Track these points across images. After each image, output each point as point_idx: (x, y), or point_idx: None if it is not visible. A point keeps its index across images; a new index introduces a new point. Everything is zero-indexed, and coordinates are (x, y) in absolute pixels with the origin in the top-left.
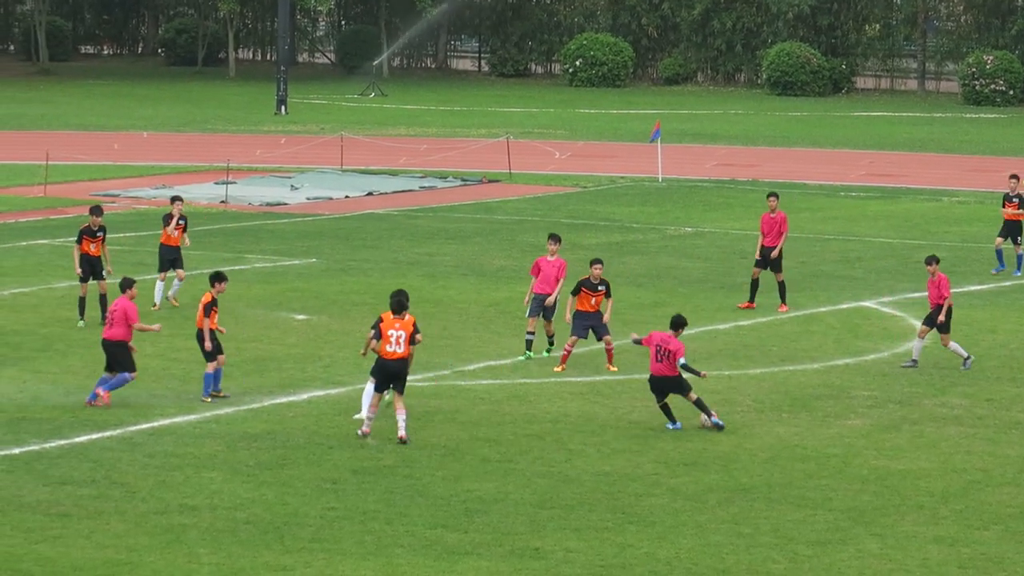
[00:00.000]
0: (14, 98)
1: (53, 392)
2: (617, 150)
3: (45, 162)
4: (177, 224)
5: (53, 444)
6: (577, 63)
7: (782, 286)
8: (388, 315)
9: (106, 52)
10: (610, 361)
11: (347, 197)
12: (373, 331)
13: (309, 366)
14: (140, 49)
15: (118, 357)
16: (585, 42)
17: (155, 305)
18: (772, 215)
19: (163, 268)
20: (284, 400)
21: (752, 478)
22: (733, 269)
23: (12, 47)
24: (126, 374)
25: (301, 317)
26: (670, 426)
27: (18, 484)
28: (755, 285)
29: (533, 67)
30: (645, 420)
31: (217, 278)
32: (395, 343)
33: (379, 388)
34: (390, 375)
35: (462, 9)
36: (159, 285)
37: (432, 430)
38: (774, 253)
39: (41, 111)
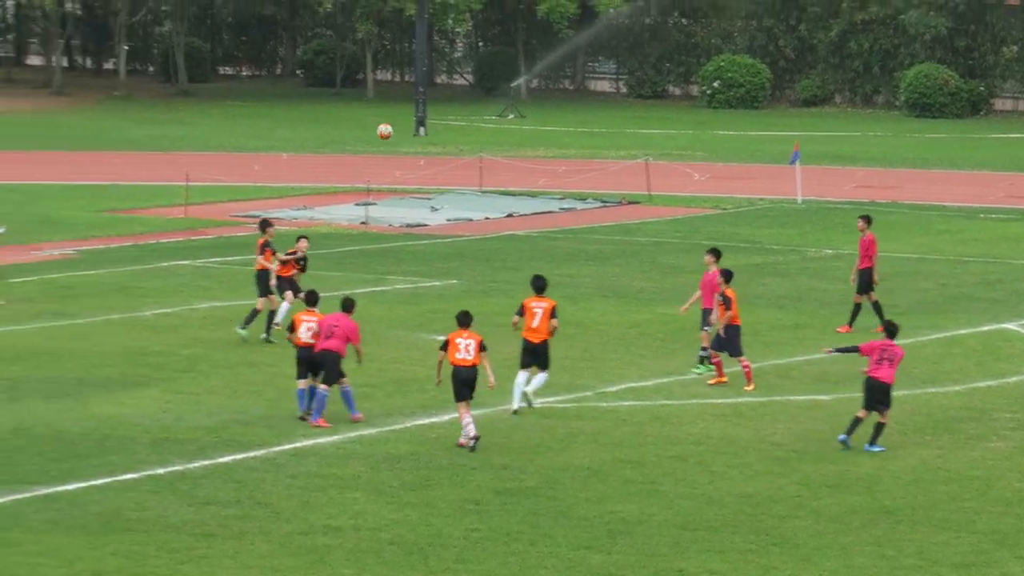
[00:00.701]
0: (154, 119)
1: (196, 413)
2: (756, 171)
3: (185, 183)
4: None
5: (197, 464)
6: (715, 84)
7: (857, 308)
8: (455, 332)
9: (245, 73)
10: (748, 381)
11: (487, 218)
12: (442, 352)
13: (451, 387)
14: (279, 70)
15: (327, 366)
16: (723, 63)
17: (277, 324)
18: (862, 237)
19: (283, 290)
20: (426, 421)
21: (895, 500)
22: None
23: (151, 68)
24: (323, 391)
25: (442, 338)
26: (843, 438)
27: (163, 504)
28: (875, 307)
29: (671, 88)
30: (787, 442)
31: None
32: (464, 350)
33: (459, 397)
34: (463, 381)
35: (601, 31)
36: (285, 306)
37: (575, 451)
38: (875, 277)
39: (180, 132)
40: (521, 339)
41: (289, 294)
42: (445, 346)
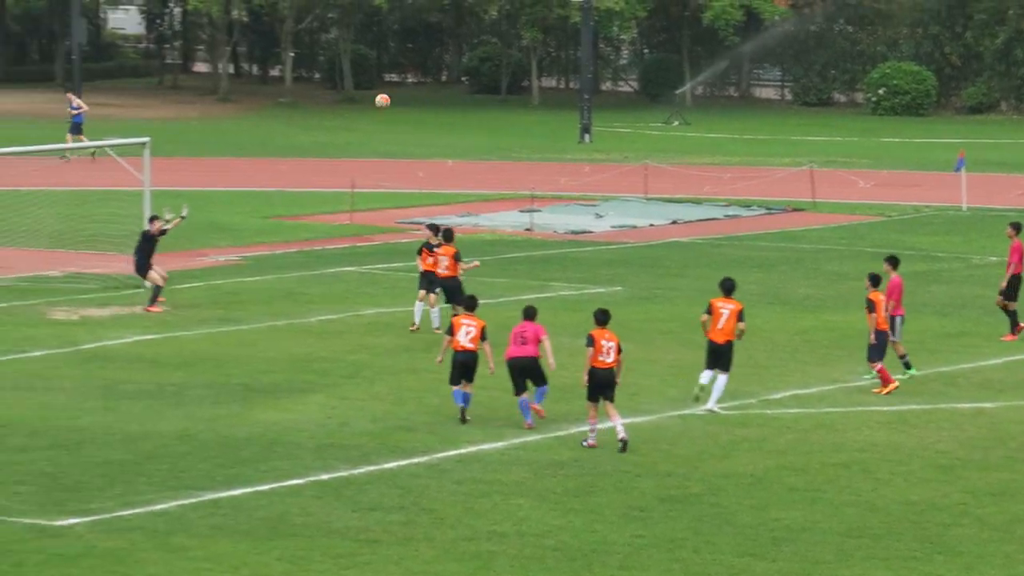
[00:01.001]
0: (320, 126)
1: (360, 419)
2: (921, 179)
3: (351, 189)
4: None
5: (361, 470)
6: (880, 92)
7: (1013, 316)
8: (597, 330)
9: (410, 80)
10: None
11: (651, 225)
12: (590, 349)
13: (616, 394)
14: (444, 77)
15: (532, 371)
16: (888, 71)
17: (437, 328)
18: (1012, 244)
19: (422, 287)
20: (590, 428)
21: None
22: None
23: (317, 75)
24: (544, 387)
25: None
26: None
27: (327, 510)
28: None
29: (836, 96)
30: (951, 450)
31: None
32: (606, 353)
33: (592, 397)
34: (600, 383)
35: (766, 38)
36: (419, 305)
37: (739, 458)
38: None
39: (346, 139)
40: (706, 340)
41: (423, 292)
42: (592, 342)
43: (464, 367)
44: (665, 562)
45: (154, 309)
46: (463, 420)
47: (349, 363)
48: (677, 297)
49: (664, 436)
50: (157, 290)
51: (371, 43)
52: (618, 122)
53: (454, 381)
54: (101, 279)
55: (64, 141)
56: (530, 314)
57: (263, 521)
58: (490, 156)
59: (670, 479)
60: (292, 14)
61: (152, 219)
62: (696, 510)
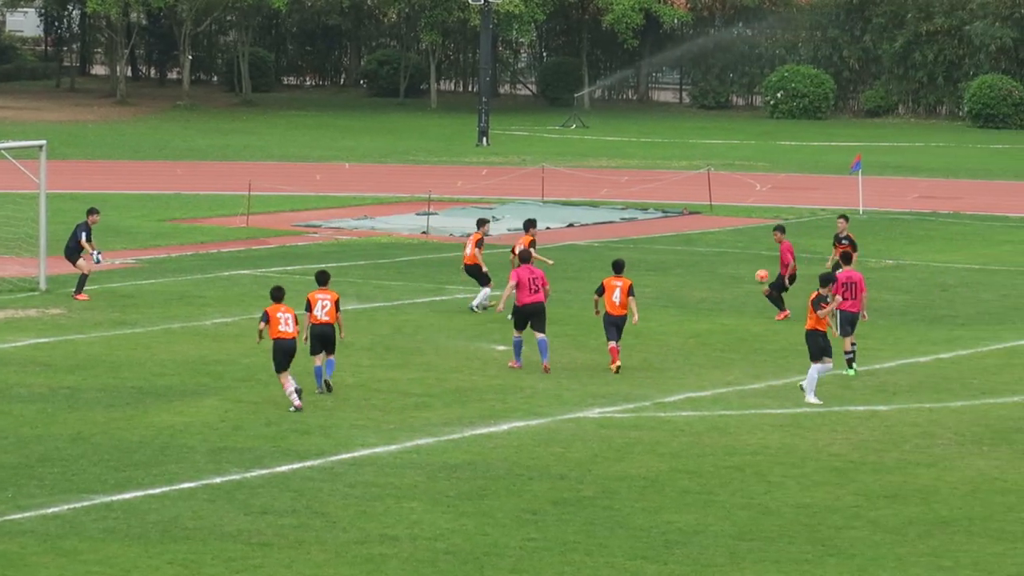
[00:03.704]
0: (218, 129)
1: (254, 422)
2: (818, 182)
3: (247, 193)
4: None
5: (254, 474)
6: (778, 95)
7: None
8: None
9: (308, 83)
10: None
11: (548, 228)
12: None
13: (510, 397)
14: (342, 80)
15: (540, 316)
16: (786, 74)
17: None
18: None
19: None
20: (484, 431)
21: (952, 511)
22: (934, 302)
23: (215, 78)
24: (542, 337)
25: (502, 348)
26: None
27: (219, 513)
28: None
29: (734, 99)
30: (845, 453)
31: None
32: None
33: (315, 351)
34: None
35: (663, 40)
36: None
37: (632, 461)
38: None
39: (244, 142)
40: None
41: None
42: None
43: (323, 339)
44: (557, 565)
45: (81, 297)
46: (329, 389)
47: (243, 366)
48: (572, 300)
49: (557, 439)
50: (84, 278)
51: (270, 46)
52: (516, 125)
53: (314, 352)
54: None
55: None
56: (525, 258)
57: (155, 525)
58: (387, 159)
59: (563, 482)
60: (191, 17)
61: (91, 212)
62: (589, 513)
